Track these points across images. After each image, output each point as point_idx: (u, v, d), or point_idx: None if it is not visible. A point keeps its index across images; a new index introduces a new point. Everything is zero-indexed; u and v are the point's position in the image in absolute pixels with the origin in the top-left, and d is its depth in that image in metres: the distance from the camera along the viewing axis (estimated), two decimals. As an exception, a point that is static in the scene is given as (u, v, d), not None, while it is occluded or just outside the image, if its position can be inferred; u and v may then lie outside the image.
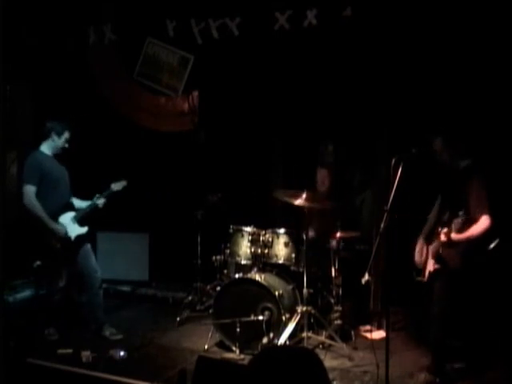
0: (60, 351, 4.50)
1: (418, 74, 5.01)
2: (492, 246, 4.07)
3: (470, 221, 3.76)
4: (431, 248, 4.04)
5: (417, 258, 4.14)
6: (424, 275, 4.08)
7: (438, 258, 3.96)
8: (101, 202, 4.92)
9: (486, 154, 4.74)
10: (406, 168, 3.71)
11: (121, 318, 5.58)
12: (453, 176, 4.02)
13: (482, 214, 3.78)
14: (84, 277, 4.98)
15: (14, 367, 3.85)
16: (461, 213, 3.67)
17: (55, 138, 4.86)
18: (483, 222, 3.77)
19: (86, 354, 4.37)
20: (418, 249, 4.16)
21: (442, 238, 3.85)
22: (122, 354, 4.41)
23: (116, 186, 4.99)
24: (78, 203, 5.01)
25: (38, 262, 5.50)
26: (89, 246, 5.02)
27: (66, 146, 4.92)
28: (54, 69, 6.53)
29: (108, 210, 5.03)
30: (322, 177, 5.40)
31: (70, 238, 4.83)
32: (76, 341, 4.71)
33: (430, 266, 4.01)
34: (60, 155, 4.95)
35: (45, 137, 4.89)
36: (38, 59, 6.57)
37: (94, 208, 4.93)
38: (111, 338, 4.89)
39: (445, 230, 3.83)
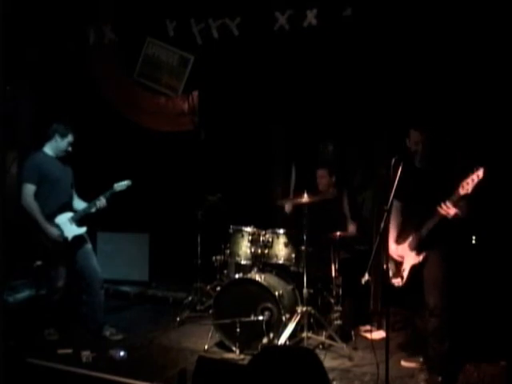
0: (60, 351, 4.50)
1: (418, 74, 5.01)
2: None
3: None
4: (409, 243, 4.02)
5: (395, 257, 4.09)
6: (401, 277, 4.04)
7: (422, 245, 3.92)
8: (101, 202, 4.90)
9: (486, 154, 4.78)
10: (406, 167, 3.71)
11: (121, 318, 5.58)
12: (423, 175, 4.01)
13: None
14: (85, 278, 4.98)
15: (14, 367, 3.86)
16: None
17: (58, 139, 4.86)
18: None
19: (86, 354, 4.37)
20: (393, 250, 4.09)
21: (444, 210, 3.72)
22: (122, 354, 4.41)
23: (119, 186, 4.96)
24: (81, 204, 5.01)
25: (38, 262, 5.52)
26: (90, 246, 5.02)
27: (69, 149, 4.91)
28: (54, 69, 6.54)
29: (108, 210, 5.03)
30: (321, 177, 5.38)
31: (66, 238, 4.82)
32: (76, 341, 4.71)
33: (413, 259, 3.98)
34: (63, 156, 4.95)
35: (49, 137, 4.90)
36: (38, 59, 6.57)
37: (94, 209, 4.92)
38: (111, 338, 4.89)
39: (442, 204, 3.73)
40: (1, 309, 4.09)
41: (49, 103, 6.55)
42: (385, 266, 3.95)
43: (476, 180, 3.57)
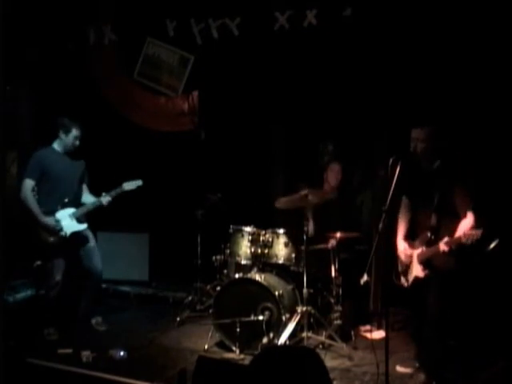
0: (60, 351, 4.50)
1: (418, 74, 5.02)
2: (492, 246, 4.07)
3: (458, 220, 3.78)
4: (417, 253, 3.97)
5: (403, 258, 4.06)
6: (407, 280, 4.03)
7: (427, 263, 3.90)
8: (106, 200, 4.91)
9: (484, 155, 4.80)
10: (404, 168, 3.70)
11: (121, 318, 5.58)
12: (426, 176, 3.99)
13: (466, 211, 3.78)
14: (84, 274, 4.99)
15: (14, 367, 3.86)
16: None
17: (63, 135, 4.90)
18: (469, 220, 3.77)
19: (86, 354, 4.37)
20: (401, 250, 4.07)
21: (443, 247, 3.76)
22: (121, 354, 4.41)
23: (128, 185, 4.97)
24: (90, 199, 5.01)
25: (38, 262, 5.53)
26: (91, 245, 5.04)
27: (77, 143, 4.94)
28: (54, 69, 6.54)
29: (108, 210, 5.04)
30: (336, 172, 5.35)
31: (64, 233, 4.84)
32: (76, 341, 4.71)
33: (419, 271, 3.94)
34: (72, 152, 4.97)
35: (55, 134, 4.93)
36: (38, 59, 6.58)
37: (98, 206, 4.94)
38: (96, 328, 4.96)
39: (446, 239, 3.75)
40: (1, 309, 4.10)
41: (49, 103, 6.55)
42: (397, 265, 3.93)
43: (475, 237, 3.59)
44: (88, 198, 5.03)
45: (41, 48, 6.54)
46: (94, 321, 5.03)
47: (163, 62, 6.45)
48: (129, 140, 6.51)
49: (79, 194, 5.03)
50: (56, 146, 4.94)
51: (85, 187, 5.11)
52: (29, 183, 4.81)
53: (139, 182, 5.01)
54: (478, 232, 3.59)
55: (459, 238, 3.68)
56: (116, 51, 6.59)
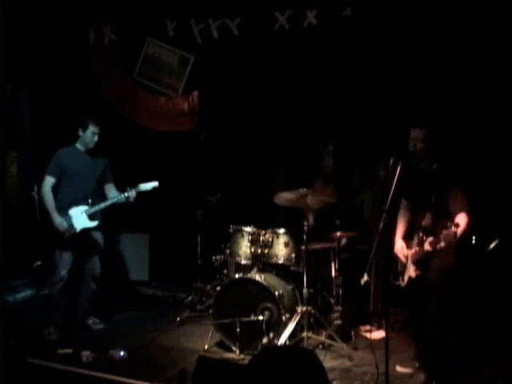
0: (60, 351, 4.50)
1: (418, 74, 5.02)
2: (492, 246, 4.06)
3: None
4: (411, 253, 3.96)
5: (400, 256, 4.04)
6: (403, 279, 4.02)
7: (419, 263, 3.90)
8: (120, 199, 4.95)
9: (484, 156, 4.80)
10: (405, 167, 3.70)
11: (121, 318, 5.58)
12: (424, 177, 3.97)
13: (459, 212, 3.76)
14: (84, 270, 5.07)
15: (14, 367, 3.86)
16: (450, 225, 3.61)
17: (81, 133, 5.03)
18: (460, 220, 3.71)
19: (86, 354, 4.37)
20: (398, 249, 4.06)
21: (427, 247, 3.77)
22: (122, 353, 4.41)
23: (144, 187, 5.00)
24: (113, 195, 5.05)
25: (38, 262, 5.53)
26: (99, 247, 5.08)
27: (96, 139, 5.04)
28: (54, 69, 6.54)
29: (108, 210, 5.04)
30: (321, 187, 5.36)
31: (74, 230, 4.90)
32: (76, 341, 4.71)
33: (411, 271, 3.94)
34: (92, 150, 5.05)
35: (76, 133, 5.06)
36: (38, 59, 6.58)
37: (110, 205, 4.99)
38: (93, 327, 5.00)
39: (430, 239, 3.76)
40: (1, 309, 4.10)
41: (49, 103, 6.55)
42: (395, 265, 3.93)
43: (450, 237, 3.56)
44: (113, 195, 5.07)
45: (41, 48, 6.55)
46: (90, 321, 5.06)
47: (163, 62, 6.45)
48: (129, 140, 6.51)
49: (98, 192, 5.07)
50: (78, 144, 5.07)
51: (110, 186, 5.16)
52: (49, 180, 4.96)
53: (155, 184, 5.04)
54: (451, 232, 3.55)
55: (439, 238, 3.68)
56: (116, 51, 6.59)
